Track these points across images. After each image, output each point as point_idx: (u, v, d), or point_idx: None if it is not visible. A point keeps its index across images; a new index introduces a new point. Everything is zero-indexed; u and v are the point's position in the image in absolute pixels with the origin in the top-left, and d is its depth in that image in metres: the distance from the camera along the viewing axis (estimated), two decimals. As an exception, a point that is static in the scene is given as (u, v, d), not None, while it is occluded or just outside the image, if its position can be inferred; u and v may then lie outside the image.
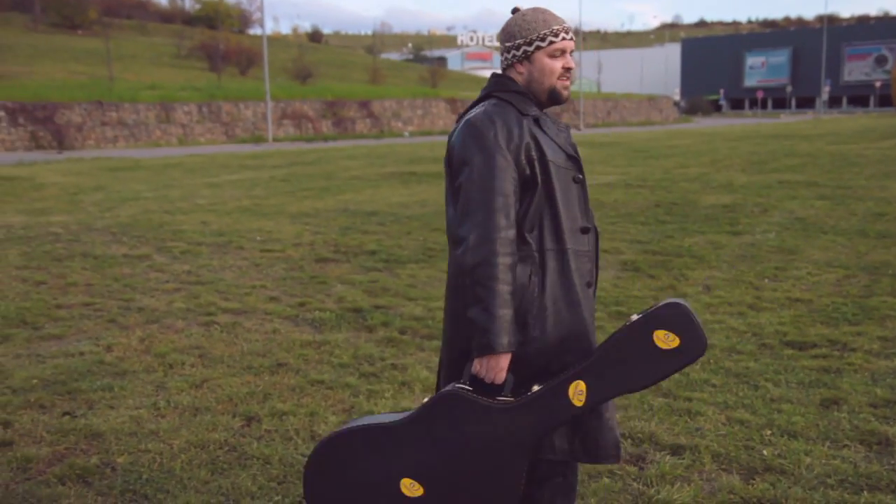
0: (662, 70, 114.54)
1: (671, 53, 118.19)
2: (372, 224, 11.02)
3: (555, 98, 2.55)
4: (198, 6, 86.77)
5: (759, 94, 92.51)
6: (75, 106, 33.57)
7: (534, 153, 2.42)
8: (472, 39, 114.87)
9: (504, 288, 2.31)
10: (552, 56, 2.50)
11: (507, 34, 2.56)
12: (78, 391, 4.70)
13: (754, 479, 3.58)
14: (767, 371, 4.98)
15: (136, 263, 8.42)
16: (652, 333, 2.23)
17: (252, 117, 40.54)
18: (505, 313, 2.32)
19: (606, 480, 3.56)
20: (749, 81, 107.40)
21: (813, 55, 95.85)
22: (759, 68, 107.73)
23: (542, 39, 2.49)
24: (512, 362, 2.38)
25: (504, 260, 2.32)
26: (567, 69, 2.53)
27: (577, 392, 2.25)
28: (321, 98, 44.87)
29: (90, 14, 66.96)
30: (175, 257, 8.78)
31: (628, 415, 4.31)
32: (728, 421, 4.22)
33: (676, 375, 4.88)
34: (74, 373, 5.00)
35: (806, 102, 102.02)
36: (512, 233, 2.36)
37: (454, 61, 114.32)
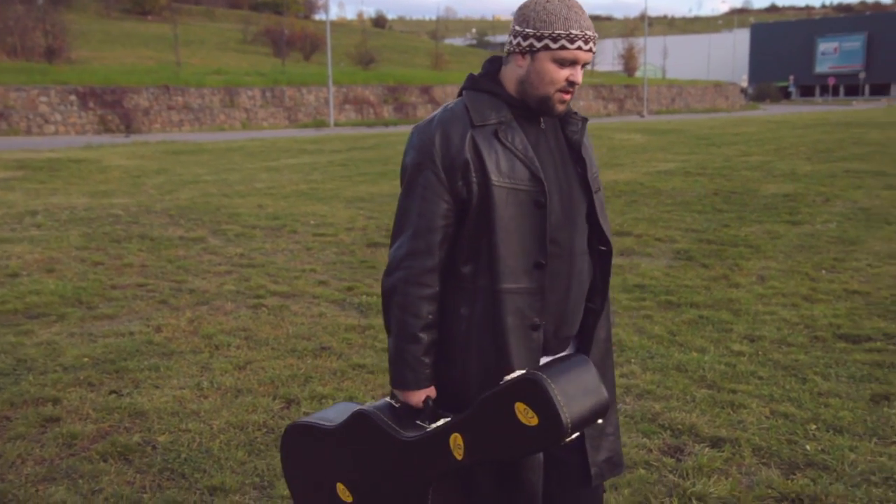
0: (730, 56, 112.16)
1: (740, 39, 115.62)
2: (425, 209, 11.00)
3: (546, 109, 2.17)
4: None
5: (831, 81, 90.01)
6: (143, 90, 34.23)
7: (473, 175, 2.10)
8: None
9: (413, 322, 2.13)
10: (559, 63, 2.12)
11: (521, 16, 2.17)
12: (126, 370, 4.81)
13: (795, 475, 3.50)
14: (817, 364, 4.86)
15: (191, 246, 8.57)
16: (513, 405, 1.95)
17: (314, 102, 40.87)
18: (410, 349, 2.14)
19: (642, 471, 3.52)
20: (820, 68, 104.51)
21: (889, 40, 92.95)
22: (832, 54, 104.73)
23: (554, 40, 2.10)
24: (438, 392, 2.21)
25: (416, 291, 2.12)
26: (571, 83, 2.14)
27: (456, 445, 2.05)
28: (383, 83, 45.02)
29: (160, 0, 68.18)
30: (229, 240, 8.91)
31: (670, 405, 4.25)
32: (772, 414, 4.13)
33: (721, 366, 4.81)
34: (123, 352, 5.12)
35: (880, 89, 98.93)
36: (432, 262, 2.13)
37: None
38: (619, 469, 2.39)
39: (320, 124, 38.16)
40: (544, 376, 1.94)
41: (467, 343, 2.17)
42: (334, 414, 2.41)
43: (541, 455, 2.19)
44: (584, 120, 2.33)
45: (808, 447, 3.74)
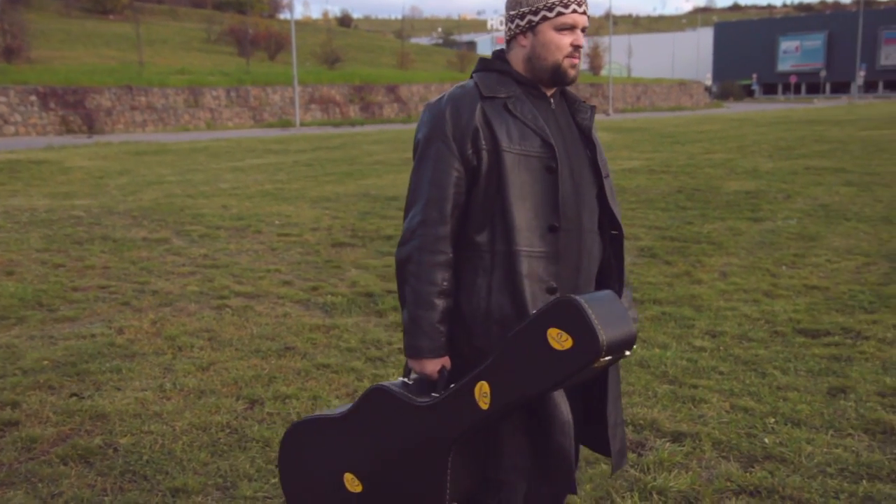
0: (694, 55, 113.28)
1: (703, 38, 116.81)
2: (391, 209, 11.02)
3: (559, 77, 2.25)
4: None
5: (793, 79, 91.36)
6: (105, 90, 33.84)
7: (482, 142, 2.17)
8: (501, 23, 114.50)
9: (428, 289, 2.15)
10: (559, 30, 2.21)
11: (511, 1, 2.29)
12: (87, 373, 4.76)
13: (753, 467, 3.55)
14: (777, 359, 4.93)
15: (154, 247, 8.50)
16: (545, 332, 1.97)
17: (280, 102, 40.67)
18: (426, 315, 2.16)
19: (604, 466, 3.55)
20: (782, 66, 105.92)
21: (849, 39, 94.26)
22: (794, 53, 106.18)
23: (550, 9, 2.20)
24: (457, 363, 2.23)
25: (431, 258, 2.15)
26: (576, 47, 2.23)
27: (482, 394, 2.06)
28: (349, 83, 44.89)
29: (122, -1, 67.42)
30: (193, 241, 8.85)
31: (632, 401, 4.29)
32: (732, 408, 4.19)
33: (683, 362, 4.86)
34: (85, 354, 5.07)
35: (841, 87, 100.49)
36: (445, 229, 2.16)
37: (484, 46, 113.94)
38: (625, 460, 2.44)
39: (286, 124, 37.97)
40: (578, 297, 1.97)
41: (488, 311, 2.19)
42: (337, 409, 2.43)
43: (570, 418, 2.19)
44: (593, 108, 2.41)
45: (766, 440, 3.80)
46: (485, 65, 2.33)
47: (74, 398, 4.40)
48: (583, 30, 2.26)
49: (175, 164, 17.65)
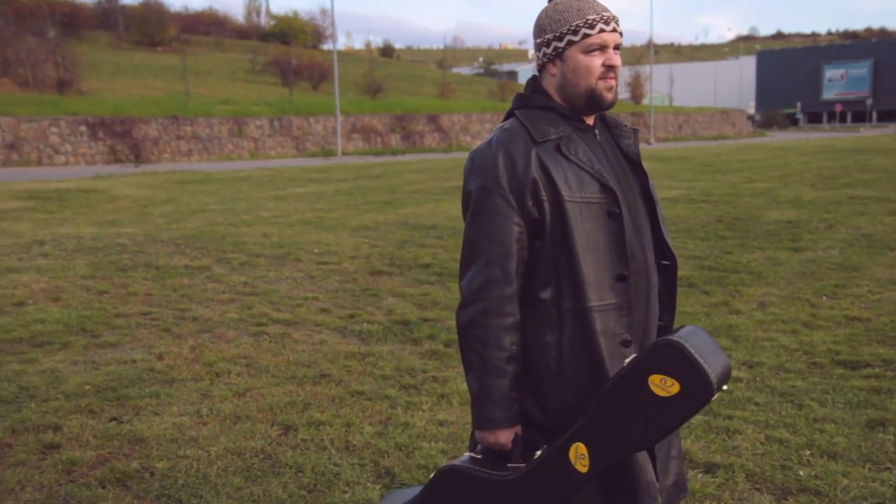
0: (737, 83, 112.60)
1: (746, 66, 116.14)
2: (430, 237, 11.09)
3: (595, 102, 2.12)
4: (273, 23, 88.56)
5: (838, 108, 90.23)
6: (152, 121, 34.55)
7: (543, 193, 2.04)
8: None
9: (497, 354, 2.03)
10: (588, 52, 2.09)
11: (537, 28, 2.17)
12: (127, 397, 4.86)
13: (787, 500, 3.52)
14: (814, 390, 4.87)
15: (196, 274, 8.64)
16: (647, 380, 1.86)
17: (322, 131, 41.14)
18: (496, 384, 2.04)
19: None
20: (827, 94, 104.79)
21: (895, 67, 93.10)
22: (839, 81, 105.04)
23: (575, 32, 2.08)
24: (527, 429, 2.10)
25: (498, 321, 2.03)
26: (609, 67, 2.10)
27: (579, 456, 1.94)
28: (390, 112, 45.29)
29: (169, 31, 68.83)
30: (233, 268, 8.98)
31: (665, 432, 4.26)
32: (767, 440, 4.15)
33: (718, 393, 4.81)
34: (125, 379, 5.17)
35: (888, 116, 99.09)
36: (510, 289, 2.04)
37: (525, 75, 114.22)
38: (684, 493, 2.30)
39: (328, 153, 38.39)
40: (678, 338, 1.86)
41: (560, 371, 2.07)
42: (398, 497, 2.28)
43: (654, 478, 2.10)
44: (635, 131, 2.31)
45: (801, 472, 3.76)
46: (524, 101, 2.20)
47: (114, 422, 4.49)
48: (616, 48, 2.13)
49: (218, 193, 17.94)
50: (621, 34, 2.15)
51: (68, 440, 4.23)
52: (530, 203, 2.04)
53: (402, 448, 4.10)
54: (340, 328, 6.48)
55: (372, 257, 9.64)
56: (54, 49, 43.84)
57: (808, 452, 3.98)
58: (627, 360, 1.94)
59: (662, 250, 2.25)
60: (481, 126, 49.10)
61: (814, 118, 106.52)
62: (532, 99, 2.19)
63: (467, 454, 2.15)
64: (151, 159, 33.09)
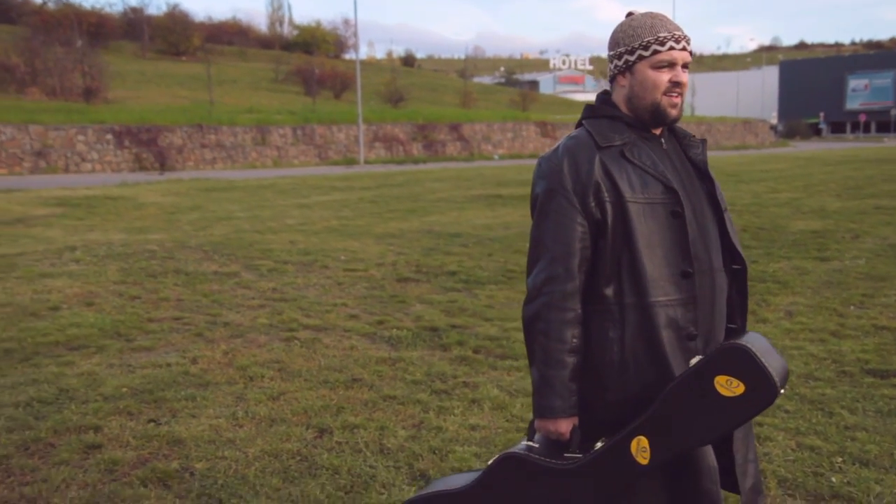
0: (759, 93, 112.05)
1: (769, 76, 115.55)
2: (455, 245, 11.16)
3: (659, 116, 2.22)
4: (296, 32, 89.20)
5: (862, 118, 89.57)
6: (177, 129, 34.90)
7: (605, 194, 2.14)
8: (564, 63, 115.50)
9: (558, 347, 2.13)
10: (657, 68, 2.20)
11: (612, 41, 2.30)
12: (163, 400, 4.95)
13: (819, 506, 3.54)
14: (844, 398, 4.89)
15: (225, 280, 8.75)
16: (713, 380, 1.96)
17: (345, 140, 41.38)
18: (557, 374, 2.14)
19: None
20: (851, 104, 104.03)
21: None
22: (862, 91, 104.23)
23: (645, 48, 2.20)
24: (586, 421, 2.19)
25: (559, 315, 2.13)
26: (675, 83, 2.21)
27: (640, 449, 2.02)
28: (412, 121, 45.51)
29: (194, 41, 69.55)
30: (262, 275, 9.09)
31: (695, 438, 4.29)
32: (798, 447, 4.18)
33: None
34: (161, 383, 5.26)
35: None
36: (572, 286, 2.14)
37: (546, 85, 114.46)
38: (761, 496, 2.36)
39: (350, 162, 38.60)
40: (743, 343, 1.97)
41: (623, 365, 2.15)
42: (452, 481, 2.33)
43: (716, 464, 2.18)
44: (704, 142, 2.40)
45: (833, 479, 3.78)
46: (593, 111, 2.32)
47: (152, 424, 4.57)
48: (685, 66, 2.23)
49: (243, 201, 18.10)
50: (691, 53, 2.26)
51: (109, 440, 4.32)
52: (593, 204, 2.15)
53: (436, 451, 4.16)
54: (370, 334, 6.56)
55: (398, 264, 9.72)
56: (81, 58, 44.44)
57: (839, 459, 4.01)
58: (694, 361, 2.04)
59: (732, 255, 2.32)
60: (503, 135, 49.19)
61: (837, 128, 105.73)
62: (599, 109, 2.31)
63: (524, 442, 2.23)
64: (176, 167, 33.40)
